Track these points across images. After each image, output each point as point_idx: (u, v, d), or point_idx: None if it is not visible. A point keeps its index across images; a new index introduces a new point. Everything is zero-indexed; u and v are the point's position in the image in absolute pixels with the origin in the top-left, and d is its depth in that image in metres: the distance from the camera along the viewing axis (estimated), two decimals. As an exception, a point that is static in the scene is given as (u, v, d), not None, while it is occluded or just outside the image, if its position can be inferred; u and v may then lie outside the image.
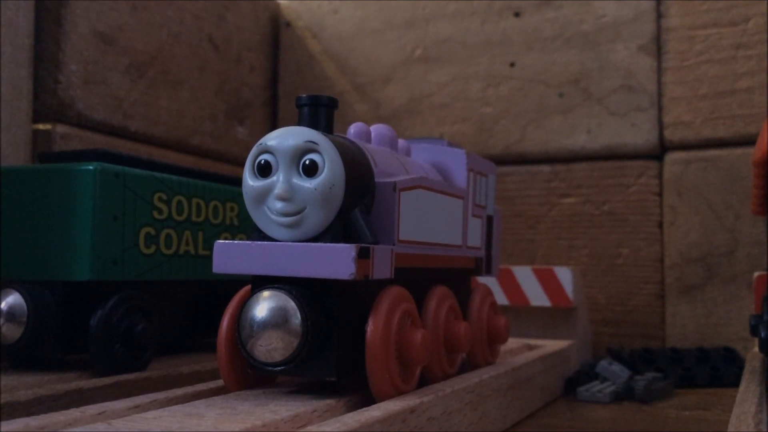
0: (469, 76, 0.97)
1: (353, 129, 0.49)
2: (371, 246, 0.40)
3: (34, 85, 0.71)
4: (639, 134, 0.88)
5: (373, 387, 0.41)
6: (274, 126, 1.06)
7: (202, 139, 0.92)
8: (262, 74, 1.05)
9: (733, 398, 0.47)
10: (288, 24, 1.07)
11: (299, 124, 0.44)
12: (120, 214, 0.53)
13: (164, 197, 0.56)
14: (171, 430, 0.34)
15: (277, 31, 1.08)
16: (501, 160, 0.93)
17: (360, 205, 0.43)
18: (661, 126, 0.88)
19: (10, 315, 0.50)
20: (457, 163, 0.56)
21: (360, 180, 0.43)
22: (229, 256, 0.42)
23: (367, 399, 0.42)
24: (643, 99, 0.89)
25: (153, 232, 0.55)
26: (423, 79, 0.99)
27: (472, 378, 0.50)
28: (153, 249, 0.55)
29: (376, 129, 0.51)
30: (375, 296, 0.42)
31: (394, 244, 0.44)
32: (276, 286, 0.40)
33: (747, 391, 0.47)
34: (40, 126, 0.72)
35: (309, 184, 0.40)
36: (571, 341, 0.76)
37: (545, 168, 0.93)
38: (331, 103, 0.45)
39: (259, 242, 0.41)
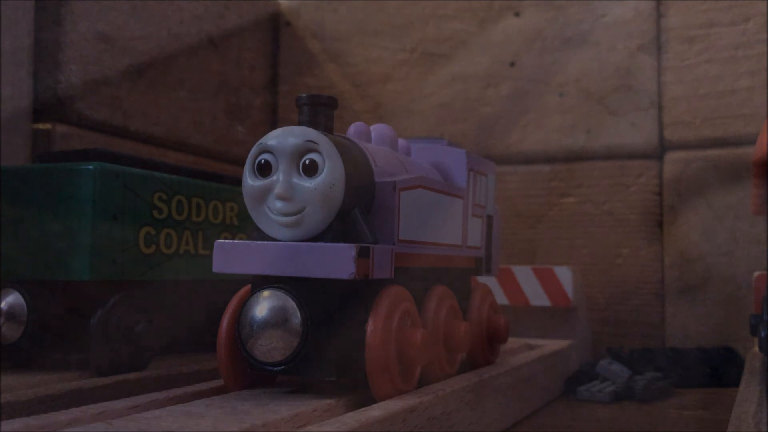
0: (469, 76, 0.97)
1: (353, 129, 0.49)
2: (371, 246, 0.40)
3: (34, 85, 0.71)
4: (639, 134, 0.88)
5: (373, 387, 0.41)
6: (273, 126, 1.06)
7: (202, 139, 0.92)
8: (262, 74, 1.05)
9: (733, 398, 0.47)
10: (288, 24, 1.07)
11: (299, 123, 0.44)
12: (120, 213, 0.53)
13: (164, 197, 0.56)
14: (171, 430, 0.34)
15: (277, 31, 1.08)
16: (501, 160, 0.93)
17: (360, 204, 0.43)
18: (661, 126, 0.88)
19: (10, 315, 0.50)
20: (457, 162, 0.56)
21: (360, 179, 0.43)
22: (229, 255, 0.42)
23: (367, 399, 0.42)
24: (643, 99, 0.88)
25: (153, 232, 0.55)
26: (423, 79, 0.99)
27: (472, 378, 0.50)
28: (153, 249, 0.55)
29: (376, 129, 0.51)
30: (375, 296, 0.42)
31: (394, 244, 0.44)
32: (276, 285, 0.40)
33: (747, 391, 0.47)
34: (40, 126, 0.72)
35: (309, 183, 0.40)
36: (570, 341, 0.76)
37: (545, 168, 0.93)
38: (331, 103, 0.45)
39: (259, 242, 0.41)
